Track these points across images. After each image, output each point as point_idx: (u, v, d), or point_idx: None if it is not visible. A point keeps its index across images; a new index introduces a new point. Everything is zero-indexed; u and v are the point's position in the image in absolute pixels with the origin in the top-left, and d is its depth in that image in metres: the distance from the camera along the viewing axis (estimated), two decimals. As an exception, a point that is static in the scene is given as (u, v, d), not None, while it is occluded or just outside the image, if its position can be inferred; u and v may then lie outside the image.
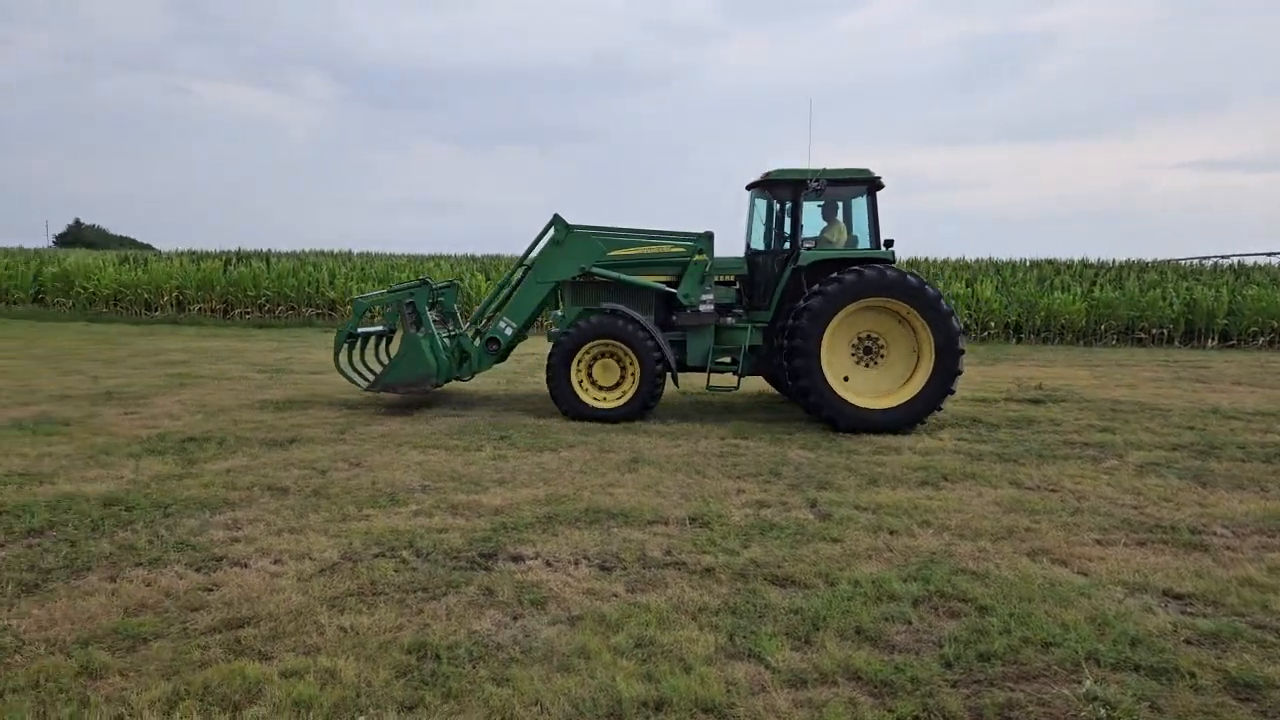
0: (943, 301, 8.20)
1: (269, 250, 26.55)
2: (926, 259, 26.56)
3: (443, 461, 6.75)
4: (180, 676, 3.09)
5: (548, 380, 8.86)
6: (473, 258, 27.55)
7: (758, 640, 3.51)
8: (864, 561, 4.52)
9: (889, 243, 8.93)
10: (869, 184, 8.93)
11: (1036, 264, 25.85)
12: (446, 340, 9.34)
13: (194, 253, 26.93)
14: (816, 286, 8.27)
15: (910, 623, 3.75)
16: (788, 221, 9.04)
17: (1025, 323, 21.72)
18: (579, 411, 8.76)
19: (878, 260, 8.60)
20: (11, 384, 10.49)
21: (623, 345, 8.69)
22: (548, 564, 4.42)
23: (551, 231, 9.32)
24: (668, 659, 3.33)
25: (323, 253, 27.04)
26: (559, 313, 9.61)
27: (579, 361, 8.82)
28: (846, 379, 8.46)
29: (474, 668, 3.23)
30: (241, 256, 25.37)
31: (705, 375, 9.23)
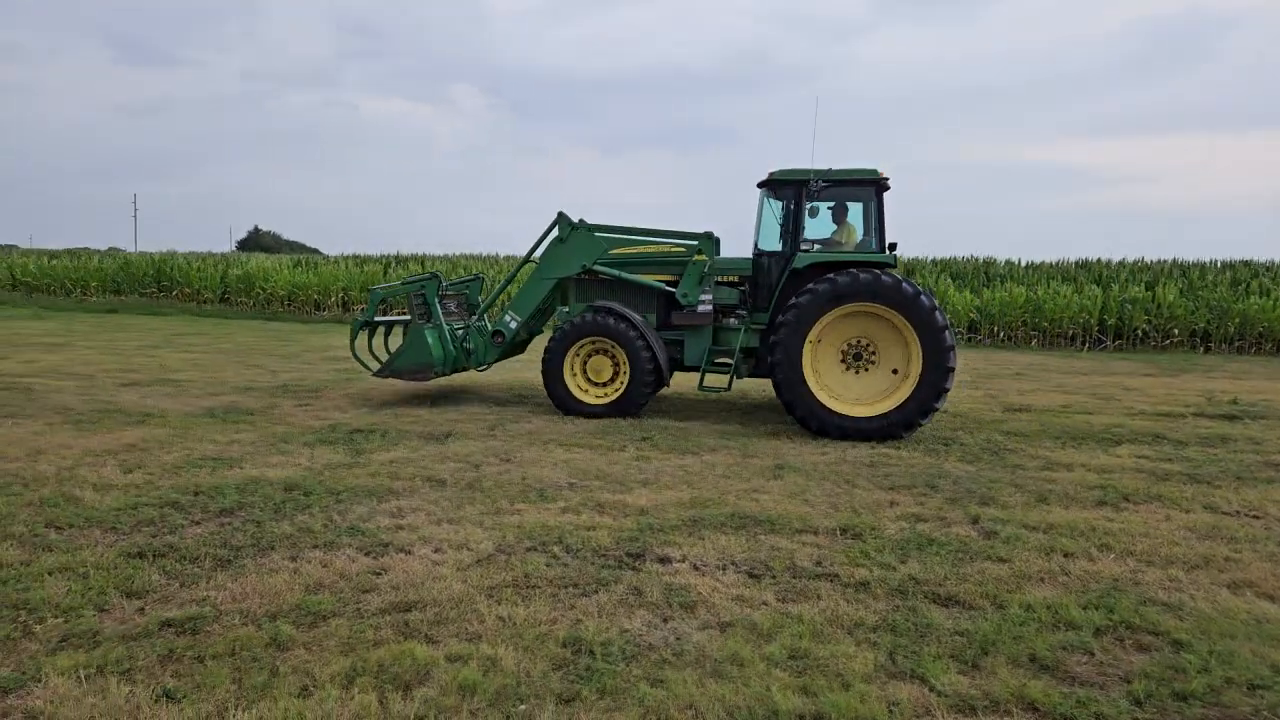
0: (938, 313, 7.86)
1: (423, 254, 28.27)
2: (1098, 259, 24.61)
3: (588, 460, 6.90)
4: (356, 654, 3.32)
5: (543, 374, 9.09)
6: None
7: (920, 661, 3.35)
8: (1036, 585, 4.21)
9: (892, 246, 8.64)
10: (874, 184, 8.63)
11: (1230, 265, 23.33)
12: (459, 331, 9.72)
13: (357, 256, 29.07)
14: (806, 289, 8.12)
15: (1092, 654, 3.46)
16: (791, 222, 8.85)
17: (1216, 330, 19.63)
18: (570, 406, 8.97)
19: (876, 264, 8.29)
20: (203, 376, 11.69)
21: (614, 343, 8.83)
22: (695, 567, 4.41)
23: (556, 229, 9.49)
24: (824, 673, 3.23)
25: (472, 256, 28.49)
26: (565, 309, 9.73)
27: (573, 357, 9.01)
28: (828, 385, 8.26)
29: (627, 666, 3.27)
30: (400, 260, 27.15)
31: (711, 377, 9.18)
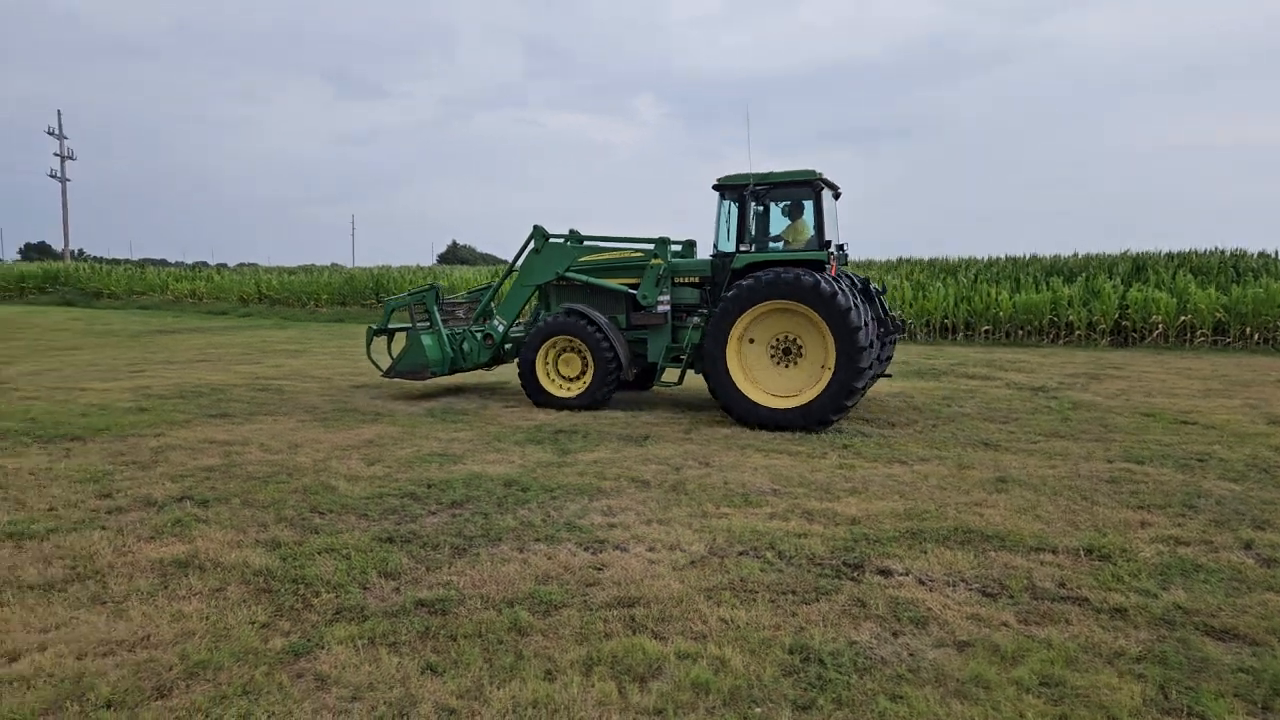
0: (853, 313, 8.17)
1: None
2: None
3: (788, 466, 6.84)
4: (590, 644, 3.50)
5: (519, 370, 9.97)
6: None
7: (1199, 698, 3.02)
8: (1339, 625, 3.66)
9: (826, 244, 8.94)
10: (810, 185, 9.03)
11: None
12: (456, 335, 10.59)
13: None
14: (733, 288, 8.72)
15: None
16: (739, 224, 9.30)
17: None
18: (543, 400, 9.83)
19: (807, 262, 8.71)
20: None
21: (579, 341, 9.68)
22: (920, 582, 4.25)
23: (532, 240, 10.47)
24: (1085, 704, 2.99)
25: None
26: (545, 312, 10.54)
27: (545, 355, 9.88)
28: (757, 379, 8.77)
29: (860, 679, 3.20)
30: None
31: (666, 372, 9.92)
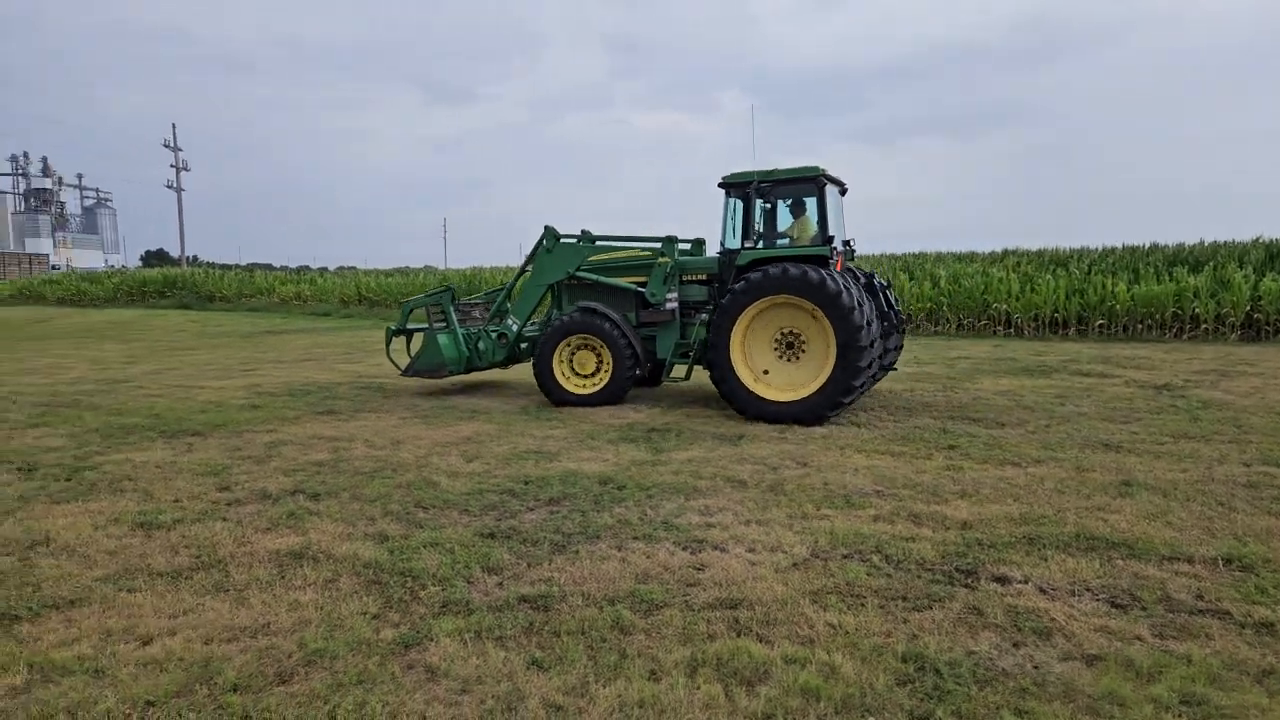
0: (856, 312, 8.28)
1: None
2: None
3: (891, 467, 6.64)
4: (694, 645, 3.48)
5: (534, 369, 10.09)
6: (893, 256, 26.95)
7: (1370, 729, 2.75)
8: None
9: (830, 239, 8.98)
10: (814, 181, 9.11)
11: None
12: (472, 334, 10.85)
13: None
14: (737, 283, 8.90)
15: None
16: (744, 221, 9.41)
17: None
18: (560, 397, 9.95)
19: (810, 258, 8.84)
20: (513, 376, 13.06)
21: (598, 340, 9.84)
22: (1041, 590, 4.04)
23: (544, 241, 10.66)
24: (1236, 728, 2.77)
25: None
26: (558, 311, 10.70)
27: (560, 352, 10.02)
28: (766, 372, 8.96)
29: (981, 691, 3.06)
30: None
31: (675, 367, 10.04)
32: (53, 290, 38.28)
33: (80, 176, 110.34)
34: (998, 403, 9.84)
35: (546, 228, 10.79)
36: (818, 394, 8.50)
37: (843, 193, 9.87)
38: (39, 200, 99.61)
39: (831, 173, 9.31)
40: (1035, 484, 6.02)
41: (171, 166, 56.55)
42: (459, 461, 6.96)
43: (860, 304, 8.44)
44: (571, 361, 10.12)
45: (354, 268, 56.75)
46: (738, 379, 8.88)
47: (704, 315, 9.84)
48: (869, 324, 8.45)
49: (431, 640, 3.56)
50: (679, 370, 10.34)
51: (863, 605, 3.88)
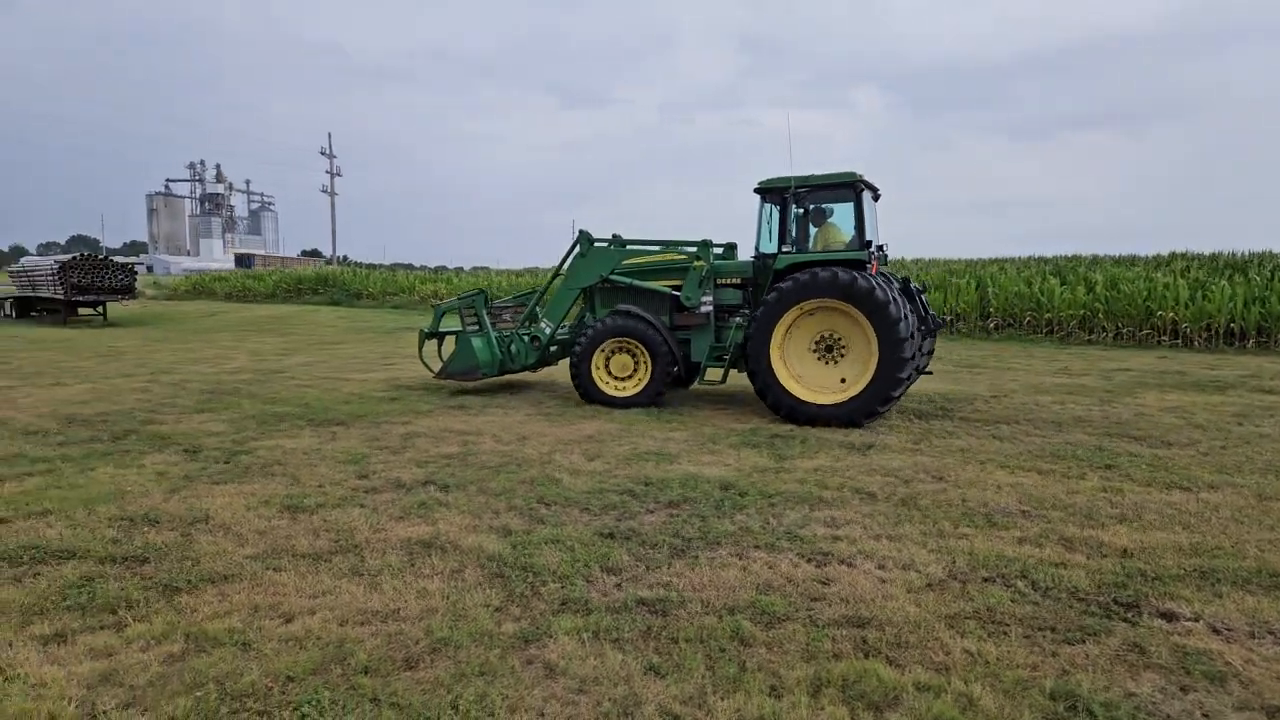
0: (892, 306, 8.38)
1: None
2: None
3: (1039, 486, 6.20)
4: (818, 663, 3.34)
5: (572, 371, 10.19)
6: (1041, 258, 25.31)
7: None
8: None
9: (868, 244, 9.10)
10: (851, 187, 9.20)
11: None
12: (505, 337, 11.01)
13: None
14: (775, 287, 9.03)
15: None
16: (780, 226, 9.58)
17: None
18: (598, 399, 10.06)
19: (848, 262, 8.92)
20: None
21: (637, 342, 9.98)
22: (1215, 630, 3.63)
23: (577, 245, 10.77)
24: None
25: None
26: (589, 315, 10.86)
27: (599, 355, 10.12)
28: (844, 380, 8.90)
29: (1143, 740, 2.77)
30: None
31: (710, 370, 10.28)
32: (221, 286, 41.94)
33: (248, 182, 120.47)
34: (1164, 420, 9.02)
35: (581, 231, 10.91)
36: (859, 397, 8.60)
37: (876, 198, 9.80)
38: (212, 204, 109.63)
39: (868, 178, 9.34)
40: (1209, 511, 5.45)
41: (326, 172, 60.85)
42: (580, 460, 7.05)
43: (896, 300, 8.54)
44: (609, 364, 10.21)
45: (487, 268, 59.00)
46: (779, 383, 8.98)
47: (738, 319, 10.01)
48: (906, 318, 8.53)
49: (550, 637, 3.59)
50: (714, 373, 10.37)
51: (1005, 634, 3.61)
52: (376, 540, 4.88)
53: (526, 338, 11.11)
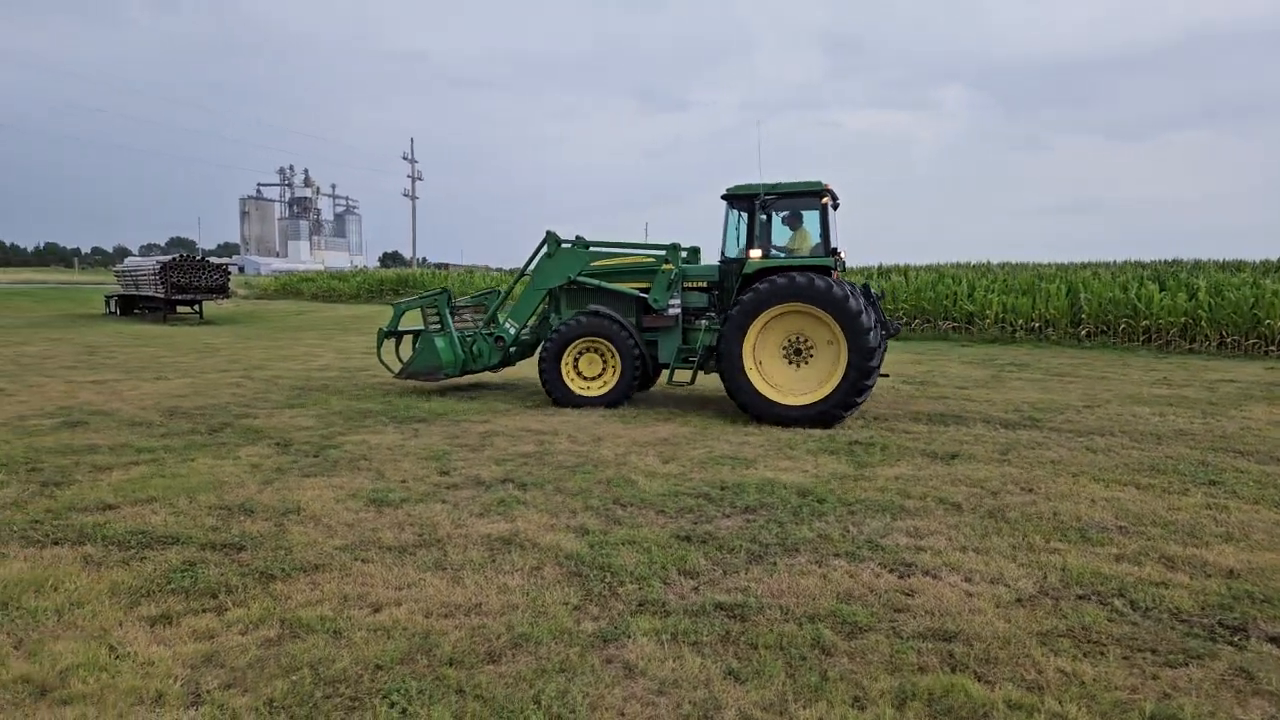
0: (863, 315, 8.77)
1: (907, 265, 27.92)
2: None
3: (1136, 501, 5.92)
4: (903, 675, 3.27)
5: (541, 369, 10.23)
6: (1139, 263, 24.16)
7: None
8: None
9: (834, 251, 9.55)
10: (818, 195, 9.58)
11: None
12: (468, 337, 10.92)
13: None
14: (748, 291, 9.27)
15: None
16: (748, 232, 9.82)
17: None
18: (567, 399, 10.10)
19: (814, 268, 9.30)
20: (709, 380, 13.10)
21: (606, 342, 10.08)
22: (1337, 661, 3.41)
23: (545, 246, 10.82)
24: None
25: (960, 265, 27.17)
26: (556, 315, 10.87)
27: (568, 355, 10.17)
28: (769, 378, 9.27)
29: (1257, 773, 2.63)
30: (882, 271, 27.23)
31: (678, 372, 10.46)
32: (308, 287, 43.67)
33: (334, 186, 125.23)
34: (1272, 435, 8.50)
35: (548, 232, 10.90)
36: (830, 397, 8.92)
37: (835, 207, 10.04)
38: (300, 208, 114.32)
39: (831, 187, 9.72)
40: (1327, 533, 5.11)
41: (408, 176, 62.69)
42: (656, 462, 7.08)
43: (865, 309, 8.93)
44: (577, 363, 10.27)
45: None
46: (750, 384, 9.20)
47: (704, 321, 10.31)
48: (875, 327, 8.94)
49: (629, 637, 3.62)
50: (683, 374, 10.57)
51: (1102, 654, 3.47)
52: (458, 535, 5.01)
53: (491, 338, 11.05)
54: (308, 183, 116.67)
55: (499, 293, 11.95)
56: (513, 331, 11.01)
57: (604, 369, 10.29)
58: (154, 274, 26.20)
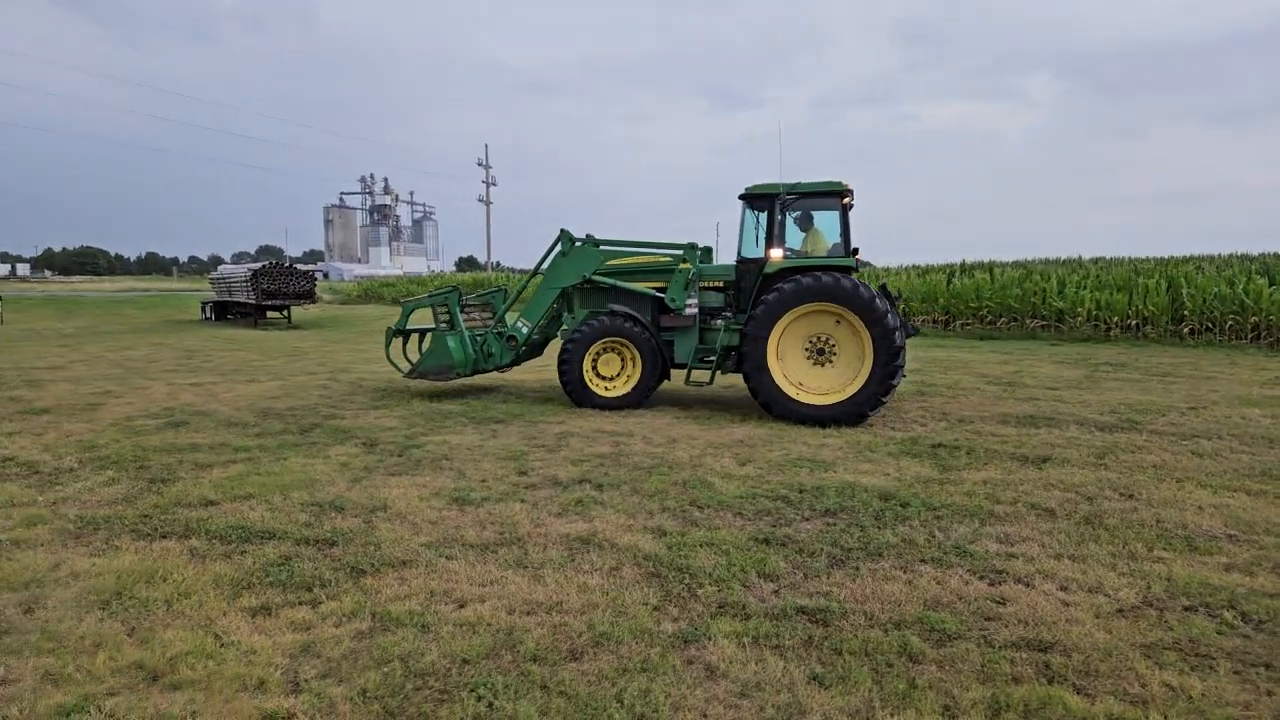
0: (890, 315, 8.89)
1: (992, 261, 27.02)
2: None
3: (1249, 508, 5.60)
4: (995, 685, 3.18)
5: (561, 372, 10.10)
6: (1247, 256, 22.81)
7: None
8: None
9: (855, 251, 9.59)
10: (839, 195, 9.61)
11: None
12: (478, 337, 10.79)
13: (918, 266, 29.23)
14: (772, 290, 9.30)
15: None
16: (764, 231, 9.86)
17: None
18: (587, 400, 10.05)
19: (836, 267, 9.33)
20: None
21: (627, 342, 10.06)
22: None
23: (559, 244, 10.72)
24: None
25: (1049, 260, 26.13)
26: (570, 315, 10.81)
27: (590, 356, 10.09)
28: (792, 376, 9.34)
29: (1392, 801, 2.46)
30: (965, 268, 26.42)
31: (696, 372, 10.38)
32: (389, 291, 45.07)
33: (411, 193, 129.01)
34: (1404, 439, 7.90)
35: (562, 231, 10.76)
36: (857, 395, 8.97)
37: (851, 206, 10.03)
38: (380, 215, 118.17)
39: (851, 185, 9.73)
40: None
41: (482, 182, 64.04)
42: (732, 464, 7.05)
43: (891, 309, 9.04)
44: (595, 364, 10.17)
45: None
46: (774, 383, 9.24)
47: (719, 321, 10.31)
48: (900, 327, 9.04)
49: (710, 639, 3.62)
50: (700, 374, 10.48)
51: (1212, 668, 3.30)
52: (538, 535, 5.10)
53: (503, 337, 10.92)
54: (387, 190, 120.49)
55: (506, 291, 11.91)
56: (525, 331, 10.92)
57: (622, 369, 10.25)
58: (245, 281, 27.47)
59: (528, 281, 11.86)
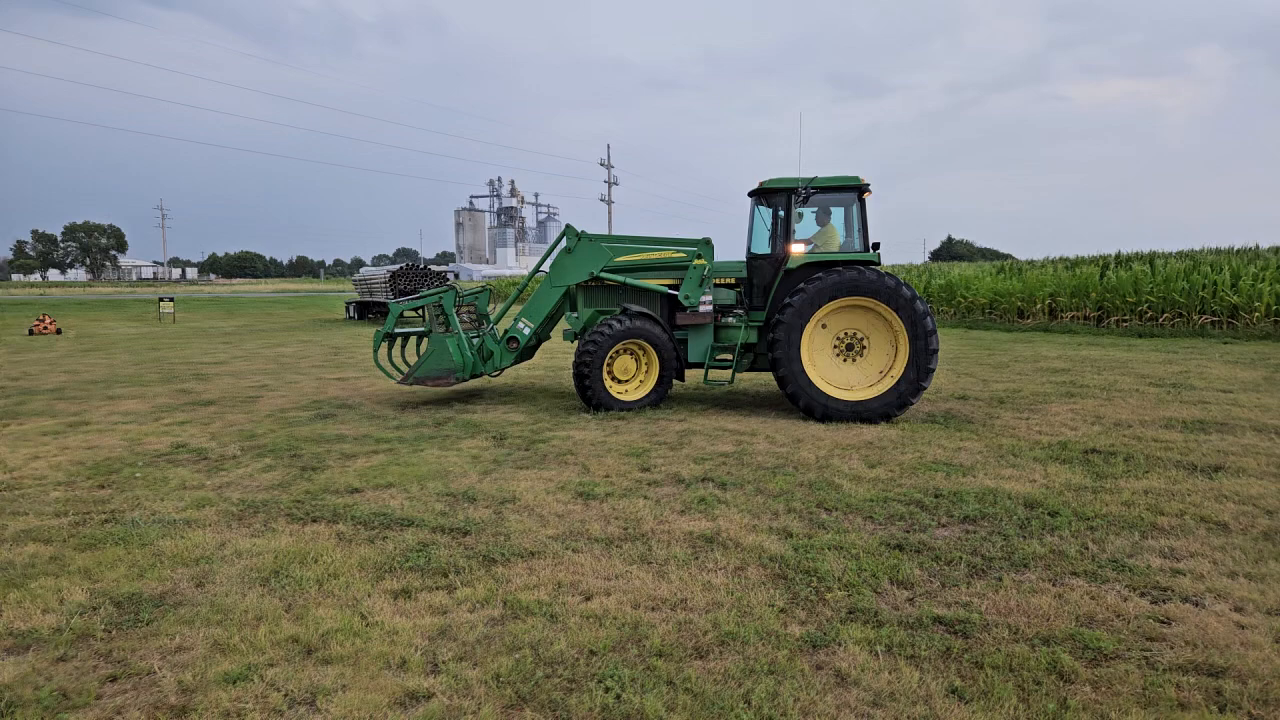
0: (919, 302, 8.91)
1: (1153, 252, 25.03)
2: None
3: None
4: (1159, 710, 2.96)
5: (581, 375, 9.61)
6: None
7: None
8: None
9: (875, 245, 9.56)
10: (857, 190, 9.58)
11: None
12: (475, 339, 10.34)
13: (1067, 259, 27.47)
14: (799, 286, 9.16)
15: None
16: (781, 227, 9.78)
17: None
18: (605, 404, 9.66)
19: (861, 262, 9.33)
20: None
21: (644, 343, 9.76)
22: None
23: (564, 240, 10.32)
24: None
25: (1220, 250, 23.94)
26: (574, 314, 10.40)
27: (608, 359, 9.73)
28: (821, 372, 9.27)
29: None
30: (1121, 260, 24.61)
31: (715, 371, 10.49)
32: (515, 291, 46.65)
33: (536, 195, 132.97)
34: None
35: (568, 226, 10.33)
36: (889, 392, 8.96)
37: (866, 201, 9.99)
38: (506, 217, 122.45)
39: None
40: None
41: (605, 181, 65.17)
42: (861, 466, 6.86)
43: (929, 311, 8.96)
44: (611, 367, 9.82)
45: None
46: (809, 381, 9.13)
47: (731, 319, 10.21)
48: (935, 330, 8.95)
49: (839, 645, 3.54)
50: (719, 374, 10.40)
51: None
52: (661, 531, 5.14)
53: (503, 339, 10.44)
54: (513, 193, 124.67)
55: (490, 291, 11.49)
56: (527, 332, 10.40)
57: (637, 370, 9.99)
58: (384, 282, 29.09)
59: (529, 279, 11.73)
